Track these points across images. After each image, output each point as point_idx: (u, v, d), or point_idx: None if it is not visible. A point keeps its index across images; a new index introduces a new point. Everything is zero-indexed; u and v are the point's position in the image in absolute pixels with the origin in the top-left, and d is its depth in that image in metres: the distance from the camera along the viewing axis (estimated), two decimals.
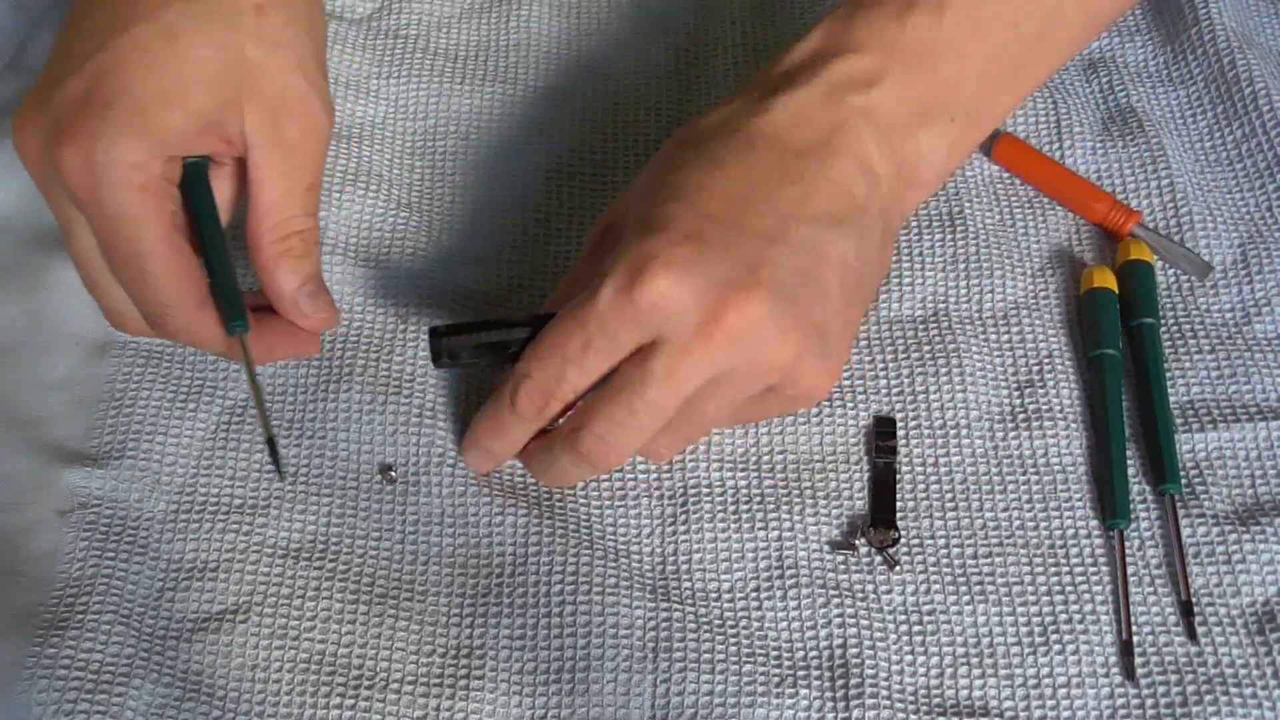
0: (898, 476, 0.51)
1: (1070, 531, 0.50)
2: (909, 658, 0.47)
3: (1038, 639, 0.48)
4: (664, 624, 0.48)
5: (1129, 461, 0.51)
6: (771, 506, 0.50)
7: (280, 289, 0.46)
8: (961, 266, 0.56)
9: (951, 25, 0.46)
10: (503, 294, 0.56)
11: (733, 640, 0.47)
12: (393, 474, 0.51)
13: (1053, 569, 0.49)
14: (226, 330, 0.45)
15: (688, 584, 0.49)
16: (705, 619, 0.48)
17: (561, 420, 0.47)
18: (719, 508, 0.51)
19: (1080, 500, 0.51)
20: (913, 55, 0.46)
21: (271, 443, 0.45)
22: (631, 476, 0.51)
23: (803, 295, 0.44)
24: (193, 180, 0.45)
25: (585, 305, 0.44)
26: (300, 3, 0.47)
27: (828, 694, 0.46)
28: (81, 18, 0.44)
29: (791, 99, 0.46)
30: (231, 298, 0.45)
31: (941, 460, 0.52)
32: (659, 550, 0.50)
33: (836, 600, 0.48)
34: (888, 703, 0.46)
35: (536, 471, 0.49)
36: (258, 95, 0.44)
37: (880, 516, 0.50)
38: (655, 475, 0.51)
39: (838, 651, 0.47)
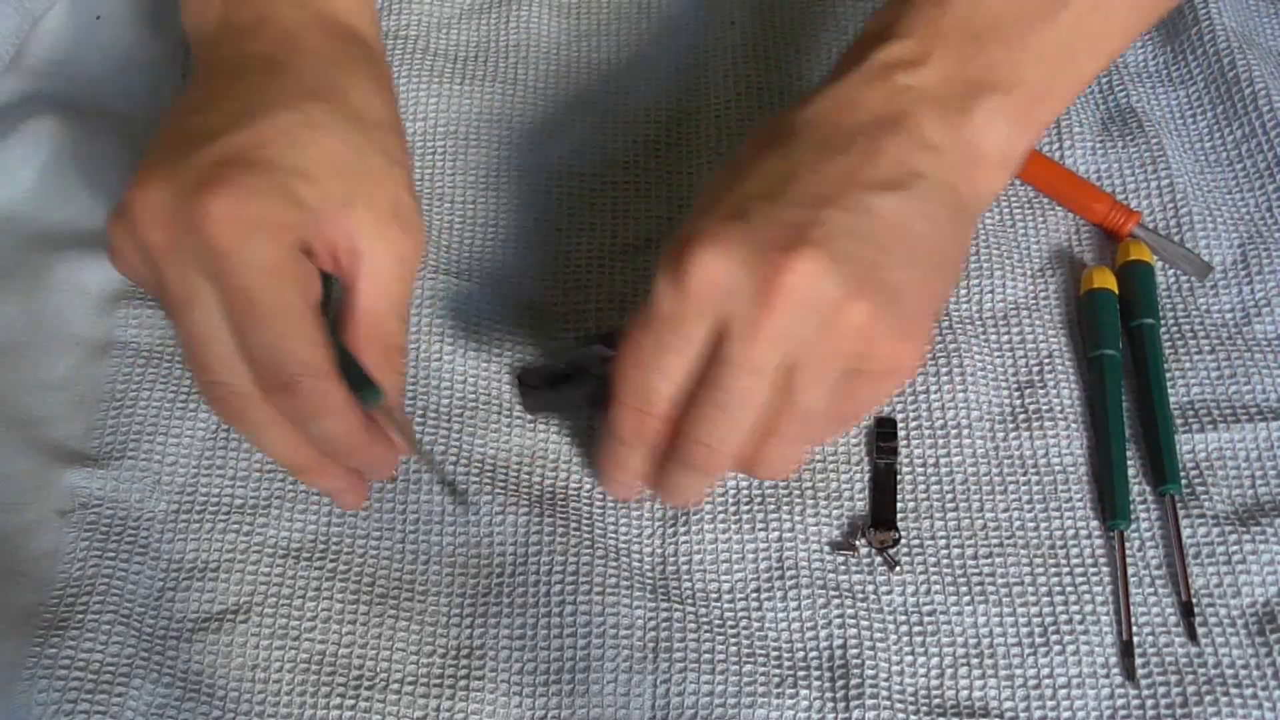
0: (898, 477, 0.51)
1: (1070, 532, 0.50)
2: (909, 658, 0.47)
3: (1038, 639, 0.48)
4: (664, 624, 0.48)
5: (1129, 462, 0.51)
6: (772, 507, 0.50)
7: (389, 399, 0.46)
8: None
9: (996, 5, 0.46)
10: (503, 293, 0.56)
11: (733, 640, 0.47)
12: (394, 473, 0.51)
13: (1053, 569, 0.49)
14: (362, 400, 0.44)
15: (688, 584, 0.49)
16: (705, 619, 0.48)
17: None
18: (719, 508, 0.51)
19: (1080, 501, 0.51)
20: (957, 36, 0.46)
21: (449, 484, 0.48)
22: None
23: (863, 255, 0.42)
24: None
25: (648, 308, 0.43)
26: (403, 133, 0.49)
27: (828, 694, 0.46)
28: (209, 99, 0.45)
29: (836, 87, 0.46)
30: (361, 369, 0.44)
31: (942, 461, 0.52)
32: (659, 550, 0.50)
33: (837, 601, 0.48)
34: (888, 703, 0.46)
35: (665, 495, 0.47)
36: (374, 201, 0.45)
37: (881, 517, 0.50)
38: None
39: (838, 652, 0.47)
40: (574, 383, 0.48)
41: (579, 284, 0.56)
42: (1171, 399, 0.53)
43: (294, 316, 0.42)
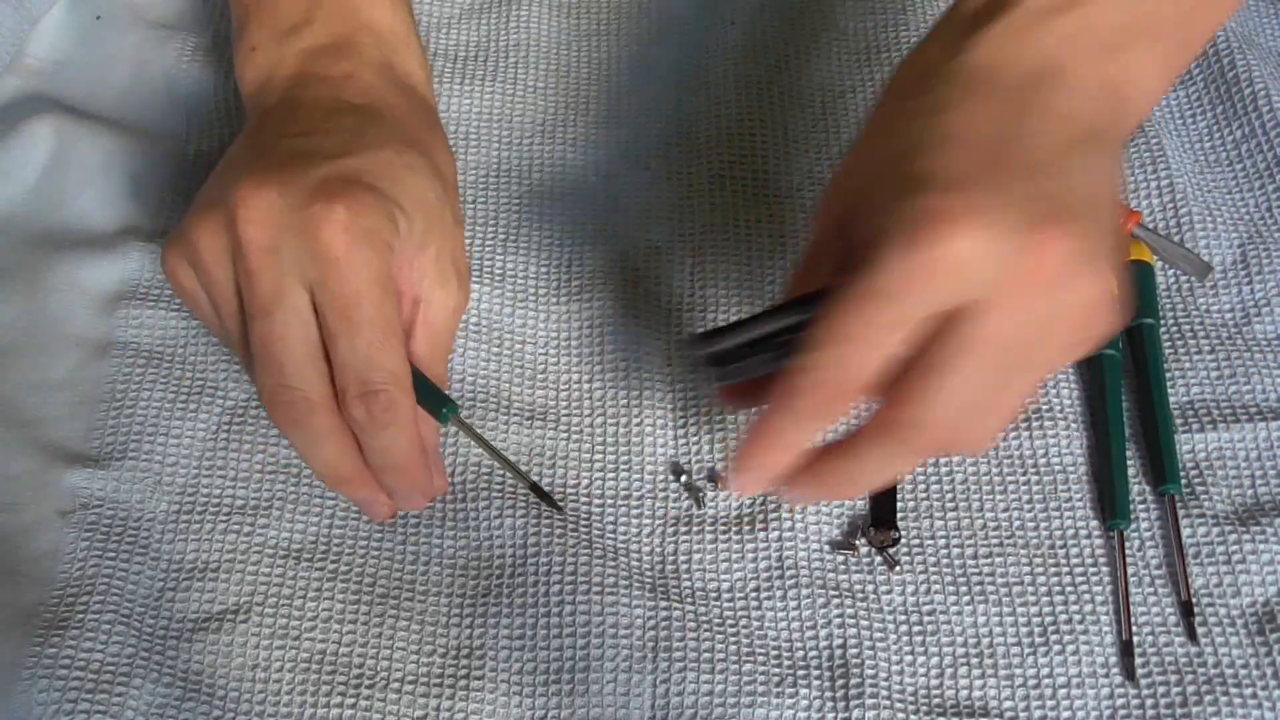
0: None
1: (1070, 531, 0.50)
2: (909, 658, 0.47)
3: (1038, 639, 0.48)
4: (664, 623, 0.48)
5: (1129, 461, 0.51)
6: (772, 506, 0.50)
7: (429, 435, 0.49)
8: None
9: None
10: (503, 293, 0.56)
11: (733, 640, 0.47)
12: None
13: (1053, 569, 0.49)
14: (438, 415, 0.47)
15: (688, 583, 0.49)
16: (705, 618, 0.48)
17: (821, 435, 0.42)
18: (719, 507, 0.50)
19: (1080, 500, 0.51)
20: None
21: (535, 487, 0.49)
22: (639, 477, 0.51)
23: (1095, 227, 0.39)
24: None
25: (869, 279, 0.38)
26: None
27: (828, 694, 0.46)
28: (311, 127, 0.48)
29: (995, 33, 0.44)
30: (427, 389, 0.47)
31: (942, 460, 0.52)
32: (659, 549, 0.50)
33: (836, 600, 0.48)
34: (888, 703, 0.46)
35: (828, 484, 0.42)
36: (442, 250, 0.48)
37: (881, 516, 0.50)
38: (662, 478, 0.51)
39: (838, 651, 0.47)
40: (761, 354, 0.43)
41: (580, 284, 0.56)
42: (1171, 399, 0.53)
43: (390, 328, 0.45)
